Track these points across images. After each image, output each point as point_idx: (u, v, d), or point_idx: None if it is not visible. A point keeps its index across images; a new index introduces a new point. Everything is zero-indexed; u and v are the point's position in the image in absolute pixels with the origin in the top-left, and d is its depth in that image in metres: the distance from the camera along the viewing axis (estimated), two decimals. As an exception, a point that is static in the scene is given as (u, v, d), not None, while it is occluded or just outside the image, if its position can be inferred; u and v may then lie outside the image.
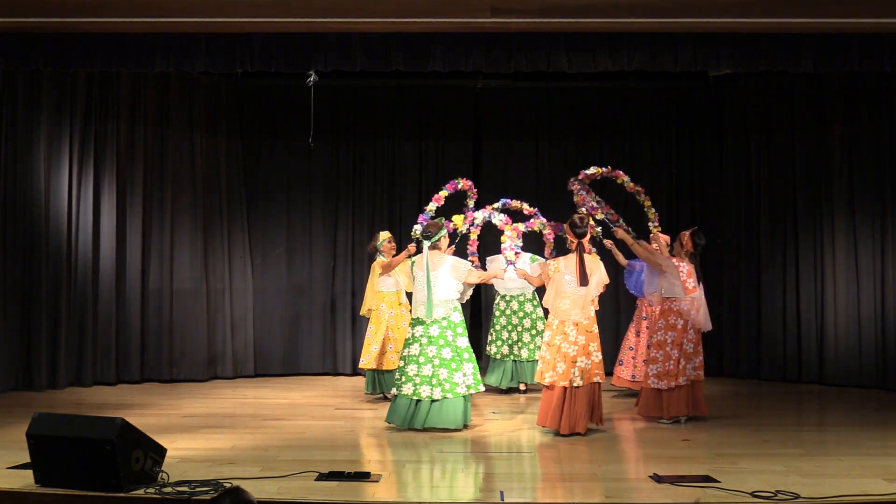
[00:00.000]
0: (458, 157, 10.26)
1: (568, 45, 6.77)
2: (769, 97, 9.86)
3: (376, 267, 8.05)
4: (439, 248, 6.65)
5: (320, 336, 10.07)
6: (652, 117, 10.34)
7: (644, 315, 8.15)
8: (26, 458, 4.76)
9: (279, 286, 10.08)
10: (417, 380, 6.42)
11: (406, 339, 6.65)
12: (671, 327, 6.87)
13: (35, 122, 8.50)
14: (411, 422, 6.43)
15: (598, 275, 6.37)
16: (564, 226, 6.62)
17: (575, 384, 6.22)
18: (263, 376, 9.83)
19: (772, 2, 6.35)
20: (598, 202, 7.37)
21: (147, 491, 4.50)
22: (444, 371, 6.41)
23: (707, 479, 4.91)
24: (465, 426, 6.55)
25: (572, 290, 6.29)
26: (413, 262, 6.69)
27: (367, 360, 7.95)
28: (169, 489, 4.52)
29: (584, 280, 6.27)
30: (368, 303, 8.18)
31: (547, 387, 6.32)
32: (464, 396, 6.48)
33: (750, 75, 9.58)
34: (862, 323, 9.05)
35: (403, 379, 6.49)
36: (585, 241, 6.39)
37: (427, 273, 6.45)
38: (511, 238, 7.47)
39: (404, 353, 6.59)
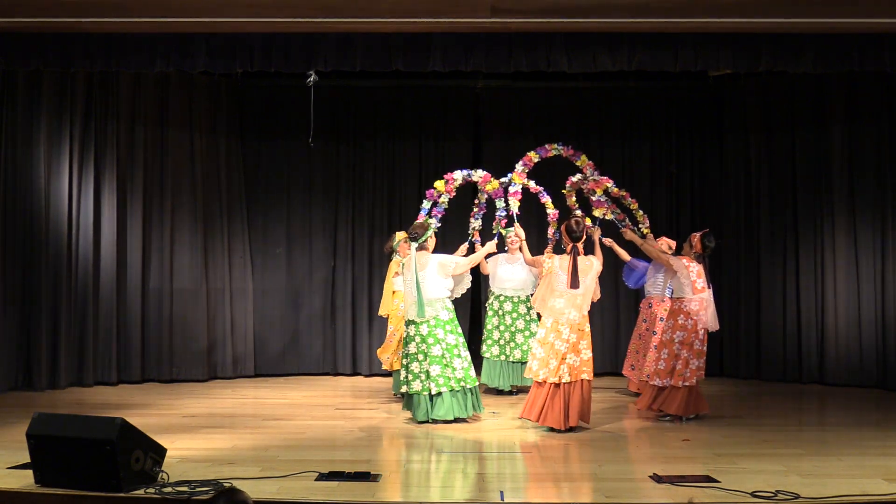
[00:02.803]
0: (458, 157, 10.23)
1: (568, 45, 6.77)
2: (769, 97, 9.86)
3: (393, 266, 8.08)
4: (426, 249, 6.80)
5: (320, 336, 10.07)
6: (652, 117, 10.34)
7: (644, 318, 8.18)
8: (26, 458, 4.76)
9: (279, 286, 10.08)
10: (412, 376, 6.72)
11: (404, 339, 6.87)
12: (680, 327, 6.90)
13: (35, 122, 8.50)
14: (424, 416, 6.69)
15: (592, 273, 6.49)
16: (560, 228, 6.69)
17: (564, 380, 6.35)
18: (263, 376, 9.83)
19: (772, 2, 6.35)
20: (606, 201, 7.39)
21: (147, 491, 4.50)
22: (436, 367, 6.62)
23: (707, 479, 4.91)
24: (463, 419, 6.73)
25: (565, 289, 6.40)
26: (402, 264, 6.77)
27: (391, 361, 7.98)
28: (169, 489, 4.52)
29: (575, 283, 6.39)
30: (387, 304, 8.19)
31: (539, 383, 6.45)
32: (451, 390, 6.65)
33: (750, 75, 9.57)
34: (862, 323, 9.06)
35: (410, 377, 6.73)
36: (580, 244, 6.49)
37: (415, 274, 6.59)
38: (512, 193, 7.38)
39: (404, 352, 6.83)
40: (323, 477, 4.93)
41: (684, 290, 6.92)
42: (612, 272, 9.56)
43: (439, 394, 6.64)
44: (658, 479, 4.92)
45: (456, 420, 6.69)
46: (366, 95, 10.19)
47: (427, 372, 6.65)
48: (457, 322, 6.84)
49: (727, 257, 9.98)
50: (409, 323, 6.79)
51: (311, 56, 6.79)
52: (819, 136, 9.47)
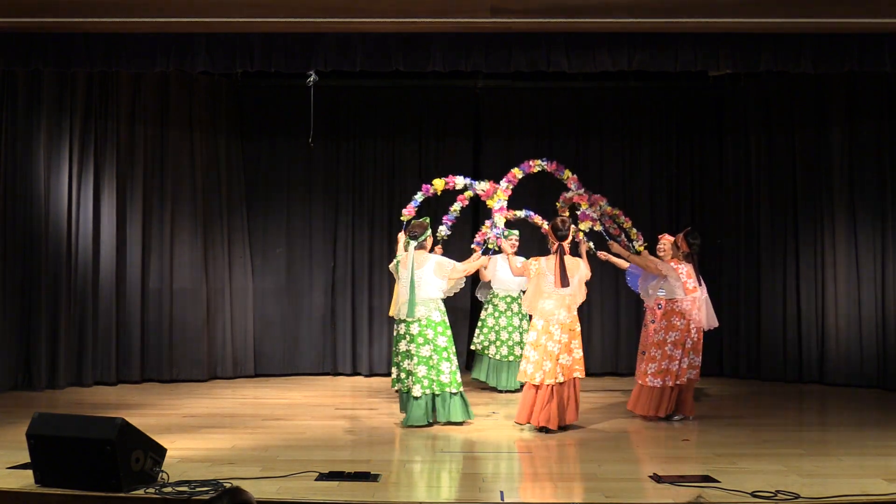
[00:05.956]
0: (458, 157, 10.24)
1: (568, 45, 6.77)
2: (769, 97, 9.86)
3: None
4: (425, 248, 6.74)
5: (320, 336, 10.07)
6: (652, 117, 10.33)
7: (652, 319, 8.23)
8: (26, 458, 4.76)
9: (279, 286, 10.08)
10: (403, 375, 6.64)
11: (395, 337, 6.80)
12: (673, 327, 6.99)
13: (35, 122, 8.50)
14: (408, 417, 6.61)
15: (579, 274, 6.49)
16: (547, 227, 6.69)
17: (559, 381, 6.36)
18: (263, 376, 9.82)
19: (772, 2, 6.35)
20: (598, 215, 7.39)
21: (147, 491, 4.50)
22: (423, 368, 6.52)
23: (707, 479, 4.91)
24: (438, 423, 6.60)
25: (554, 290, 6.40)
26: (398, 262, 6.73)
27: None
28: (169, 489, 4.52)
29: (564, 282, 6.38)
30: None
31: (535, 386, 6.41)
32: (433, 394, 6.56)
33: (750, 75, 9.57)
34: (862, 322, 9.05)
35: (403, 374, 6.65)
36: (566, 243, 6.49)
37: (411, 272, 6.54)
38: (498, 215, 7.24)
39: (395, 350, 6.76)
40: (323, 477, 4.93)
41: (676, 291, 7.02)
42: (611, 274, 9.57)
43: (418, 397, 6.52)
44: (658, 479, 4.92)
45: (429, 425, 6.58)
46: (366, 95, 10.19)
47: (411, 372, 6.54)
48: (448, 325, 6.72)
49: (727, 257, 9.99)
50: (399, 322, 6.69)
51: (310, 56, 6.78)
52: (819, 136, 9.47)
